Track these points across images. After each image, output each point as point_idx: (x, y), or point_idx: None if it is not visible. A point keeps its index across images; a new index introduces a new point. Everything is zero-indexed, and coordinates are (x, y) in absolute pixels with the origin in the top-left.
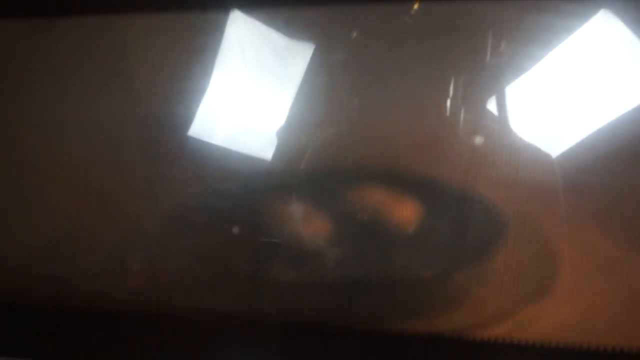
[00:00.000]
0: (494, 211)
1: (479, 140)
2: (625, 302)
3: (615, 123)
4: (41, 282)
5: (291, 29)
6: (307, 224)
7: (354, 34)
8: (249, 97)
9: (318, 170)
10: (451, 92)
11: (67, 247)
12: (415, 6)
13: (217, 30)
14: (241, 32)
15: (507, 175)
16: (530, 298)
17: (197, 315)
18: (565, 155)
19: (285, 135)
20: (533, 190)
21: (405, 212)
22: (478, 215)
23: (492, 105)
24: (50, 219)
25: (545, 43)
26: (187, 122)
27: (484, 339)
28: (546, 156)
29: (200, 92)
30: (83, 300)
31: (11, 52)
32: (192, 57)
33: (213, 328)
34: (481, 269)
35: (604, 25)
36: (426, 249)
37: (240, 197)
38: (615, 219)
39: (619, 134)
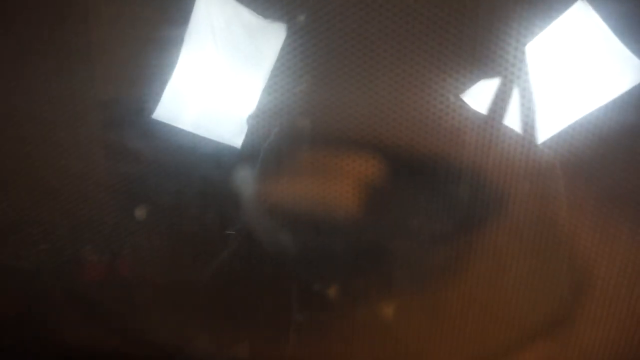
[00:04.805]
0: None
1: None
2: None
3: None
4: None
5: (266, 8)
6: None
7: (333, 15)
8: (219, 80)
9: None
10: (440, 77)
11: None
12: None
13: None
14: (212, 8)
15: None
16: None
17: None
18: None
19: (256, 121)
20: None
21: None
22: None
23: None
24: None
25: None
26: (153, 105)
27: None
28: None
29: (167, 72)
30: None
31: None
32: (158, 32)
33: None
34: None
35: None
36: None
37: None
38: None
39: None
